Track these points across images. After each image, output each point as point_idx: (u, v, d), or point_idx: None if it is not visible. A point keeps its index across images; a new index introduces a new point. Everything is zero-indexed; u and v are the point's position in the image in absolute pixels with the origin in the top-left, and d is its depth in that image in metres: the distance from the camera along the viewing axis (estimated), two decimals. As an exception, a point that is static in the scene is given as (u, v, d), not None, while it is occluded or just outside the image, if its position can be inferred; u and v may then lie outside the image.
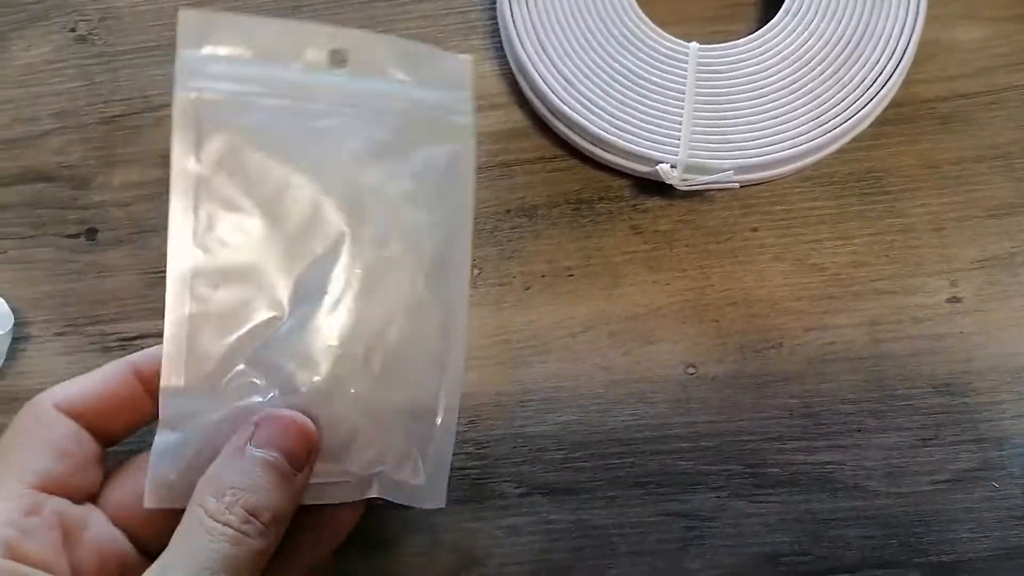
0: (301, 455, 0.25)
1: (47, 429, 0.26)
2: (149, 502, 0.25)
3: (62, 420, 0.26)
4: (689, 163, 0.35)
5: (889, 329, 0.35)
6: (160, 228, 0.39)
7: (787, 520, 0.34)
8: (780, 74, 0.36)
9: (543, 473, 0.35)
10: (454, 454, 0.35)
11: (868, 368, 0.35)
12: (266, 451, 0.25)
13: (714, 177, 0.35)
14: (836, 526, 0.34)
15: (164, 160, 0.40)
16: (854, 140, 0.37)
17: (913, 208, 0.37)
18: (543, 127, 0.38)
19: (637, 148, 0.36)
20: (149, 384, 0.28)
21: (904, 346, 0.35)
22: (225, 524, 0.23)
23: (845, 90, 0.36)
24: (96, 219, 0.40)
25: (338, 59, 0.28)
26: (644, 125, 0.36)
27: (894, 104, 0.37)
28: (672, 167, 0.35)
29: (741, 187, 0.36)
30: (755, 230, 0.37)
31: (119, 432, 0.28)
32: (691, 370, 0.36)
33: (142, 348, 0.37)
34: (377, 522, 0.35)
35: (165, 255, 0.39)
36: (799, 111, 0.36)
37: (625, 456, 0.35)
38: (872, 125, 0.37)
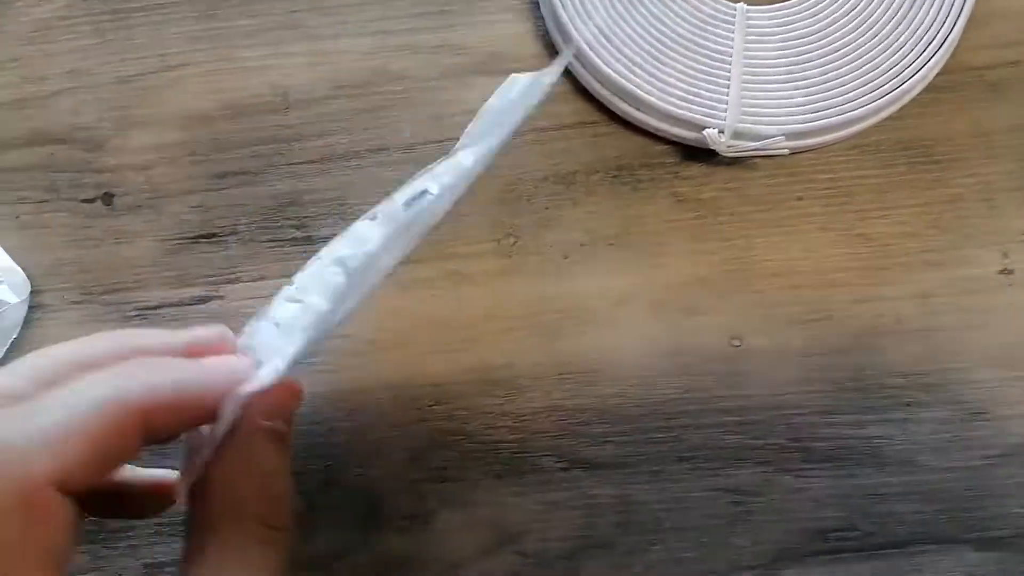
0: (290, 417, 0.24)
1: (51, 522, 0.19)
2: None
3: (66, 506, 0.19)
4: (737, 128, 0.34)
5: (940, 301, 0.35)
6: (178, 193, 0.38)
7: (835, 495, 0.33)
8: (830, 37, 0.35)
9: (584, 447, 0.34)
10: (491, 428, 0.34)
11: (918, 341, 0.34)
12: (275, 422, 0.23)
13: (763, 143, 0.34)
14: (885, 501, 0.33)
15: (183, 122, 0.38)
16: (902, 108, 0.36)
17: (963, 178, 0.36)
18: (582, 91, 0.37)
19: (682, 112, 0.34)
20: (155, 427, 0.21)
21: (955, 319, 0.34)
22: (280, 529, 0.21)
23: (897, 55, 0.35)
24: (112, 183, 0.38)
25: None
26: (690, 89, 0.35)
27: (945, 71, 0.36)
28: (719, 132, 0.34)
29: (794, 153, 0.35)
30: (800, 199, 0.36)
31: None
32: (736, 342, 0.35)
33: (162, 317, 0.36)
34: (413, 498, 0.34)
35: (184, 221, 0.38)
36: (850, 76, 0.35)
37: (669, 430, 0.34)
38: (921, 92, 0.36)
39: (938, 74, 0.36)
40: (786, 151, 0.34)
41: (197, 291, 0.37)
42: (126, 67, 0.39)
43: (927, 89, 0.36)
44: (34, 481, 0.18)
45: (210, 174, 0.38)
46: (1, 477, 0.18)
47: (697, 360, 0.35)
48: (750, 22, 0.35)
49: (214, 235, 0.37)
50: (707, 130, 0.34)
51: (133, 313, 0.37)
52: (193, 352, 0.23)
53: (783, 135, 0.34)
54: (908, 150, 0.36)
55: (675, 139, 0.36)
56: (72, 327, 0.37)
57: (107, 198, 0.38)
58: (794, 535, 0.33)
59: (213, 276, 0.37)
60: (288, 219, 0.37)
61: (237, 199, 0.37)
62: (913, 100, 0.36)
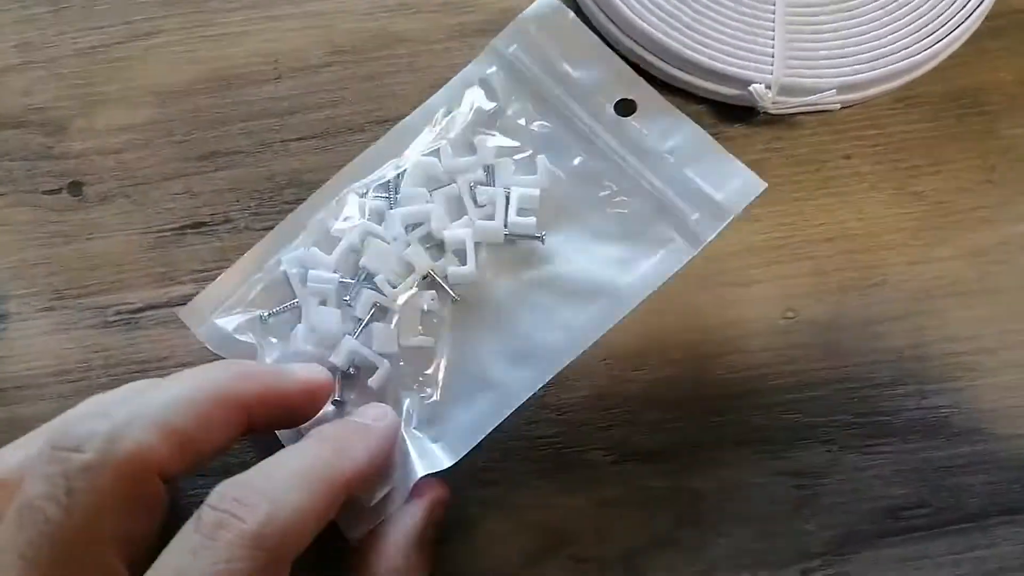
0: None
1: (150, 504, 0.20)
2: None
3: (161, 488, 0.21)
4: (785, 83, 0.31)
5: (998, 259, 0.33)
6: (157, 178, 0.33)
7: (903, 471, 0.31)
8: (876, -19, 0.32)
9: (636, 437, 0.31)
10: (532, 422, 0.31)
11: (979, 303, 0.32)
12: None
13: (812, 98, 0.31)
14: (955, 473, 0.31)
15: (156, 98, 0.34)
16: (948, 57, 0.34)
17: (1014, 128, 0.34)
18: (610, 47, 0.34)
19: (726, 68, 0.32)
20: (255, 417, 0.24)
21: (1016, 278, 0.32)
22: None
23: (945, 1, 0.32)
24: (79, 171, 0.33)
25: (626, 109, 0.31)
26: (733, 43, 0.32)
27: (991, 16, 0.34)
28: (766, 88, 0.31)
29: (841, 108, 0.32)
30: (848, 157, 0.33)
31: None
32: (790, 314, 0.32)
33: (149, 320, 0.32)
34: (452, 506, 0.31)
35: (167, 211, 0.34)
36: (899, 22, 0.32)
37: (725, 412, 0.32)
38: (968, 40, 0.34)
39: (986, 19, 0.33)
40: (837, 105, 0.32)
41: (187, 289, 0.32)
42: (86, 38, 0.34)
43: (975, 36, 0.34)
44: (141, 460, 0.19)
45: (194, 156, 0.34)
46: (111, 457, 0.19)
47: (749, 335, 0.32)
48: (792, -34, 0.32)
49: (203, 225, 0.33)
50: (753, 86, 0.31)
51: (115, 318, 0.32)
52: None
53: (834, 88, 0.31)
54: (956, 101, 0.34)
55: (715, 97, 0.33)
56: (44, 337, 0.32)
57: (74, 188, 0.33)
58: (863, 516, 0.31)
59: (204, 271, 0.33)
60: (287, 203, 0.33)
61: (227, 183, 0.33)
62: (959, 48, 0.33)
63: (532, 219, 0.30)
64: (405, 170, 0.31)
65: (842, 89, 0.32)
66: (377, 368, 0.28)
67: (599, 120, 0.31)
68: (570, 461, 0.31)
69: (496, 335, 0.29)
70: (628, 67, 0.32)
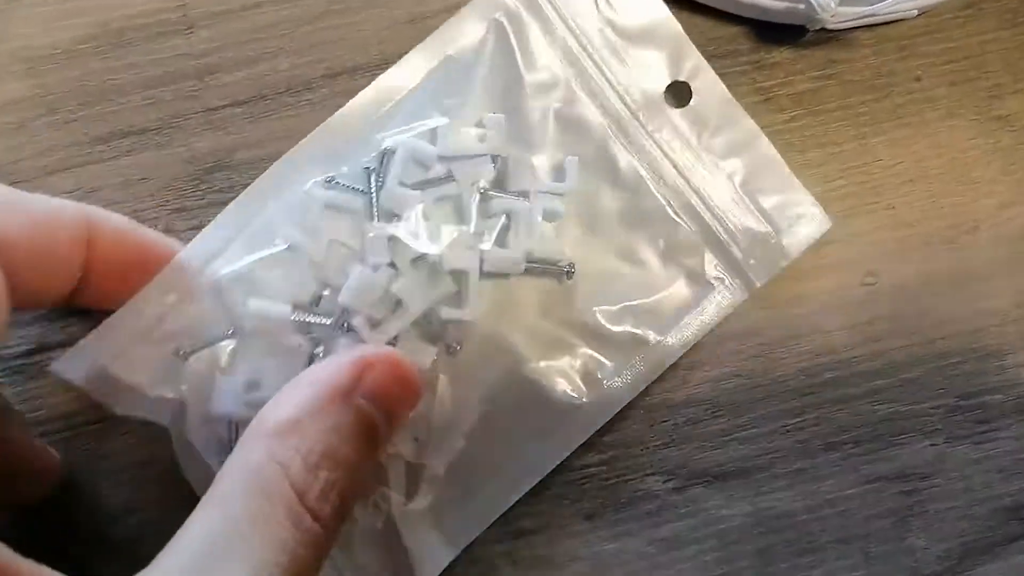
0: (400, 419, 0.20)
1: None
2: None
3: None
4: (847, -13, 0.25)
5: (1109, 190, 0.27)
6: (38, 173, 0.25)
7: None
8: None
9: (699, 454, 0.25)
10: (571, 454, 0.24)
11: (1091, 245, 0.26)
12: (375, 407, 0.18)
13: (883, 5, 0.25)
14: (1085, 457, 0.26)
15: (26, 65, 0.25)
16: (1023, -53, 0.27)
17: (1108, 29, 0.28)
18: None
19: (773, -27, 0.25)
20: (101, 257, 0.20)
21: None
22: (316, 518, 0.17)
23: None
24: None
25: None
26: (778, -60, 0.25)
27: None
28: (827, -5, 0.25)
29: (918, 15, 0.26)
30: (918, 79, 0.27)
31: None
32: (870, 279, 0.26)
33: (36, 366, 0.24)
34: (481, 568, 0.24)
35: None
36: (975, -96, 0.26)
37: (805, 411, 0.25)
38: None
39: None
40: (914, 12, 0.25)
41: (91, 323, 0.24)
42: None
43: (1051, -80, 0.27)
44: None
45: (86, 139, 0.25)
46: None
47: (824, 310, 0.26)
48: None
49: (106, 229, 0.25)
50: (811, -7, 0.24)
51: (-3, 363, 0.24)
52: None
53: (909, -10, 0.25)
54: (1037, 1, 0.28)
55: (756, 15, 0.26)
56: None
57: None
58: (983, 520, 0.25)
59: (114, 291, 0.24)
60: (215, 191, 0.25)
61: (134, 172, 0.25)
62: (1036, -65, 0.27)
63: (560, 245, 0.23)
64: (387, 153, 0.22)
65: (914, -9, 0.25)
66: None
67: (646, 106, 0.24)
68: (622, 494, 0.24)
69: (507, 395, 0.22)
70: (686, 35, 0.24)
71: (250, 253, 0.21)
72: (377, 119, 0.22)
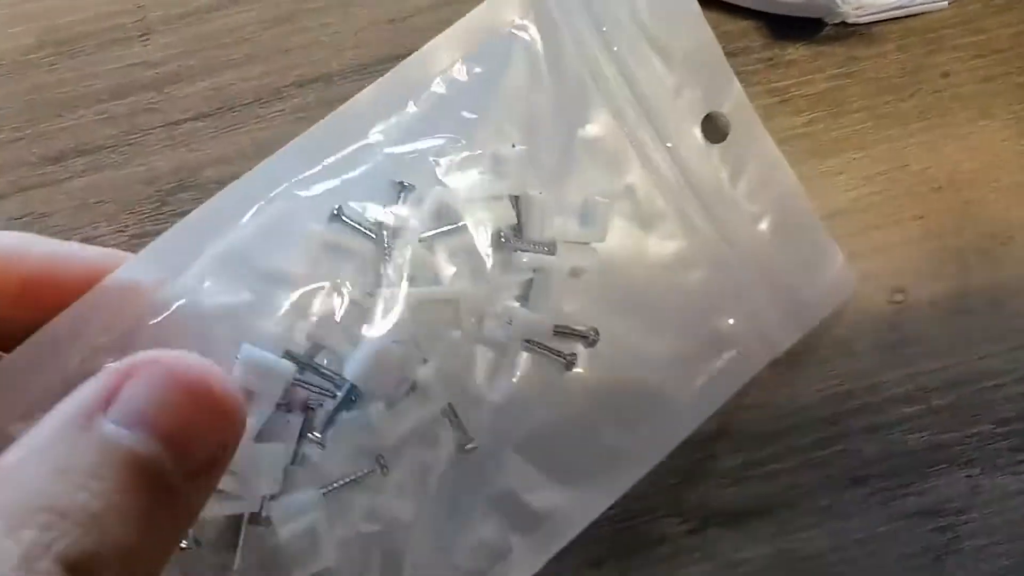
0: (204, 454, 0.13)
1: None
2: None
3: None
4: (873, -24, 0.23)
5: None
6: (-13, 197, 0.23)
7: (1068, 490, 0.23)
8: None
9: (717, 493, 0.23)
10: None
11: None
12: (147, 436, 0.12)
13: (909, -4, 0.23)
14: None
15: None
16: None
17: None
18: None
19: (790, -38, 0.22)
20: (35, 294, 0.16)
21: None
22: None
23: None
24: None
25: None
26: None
27: None
28: (849, -14, 0.22)
29: (948, 4, 0.24)
30: (946, 75, 0.25)
31: None
32: (898, 296, 0.24)
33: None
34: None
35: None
36: None
37: (830, 442, 0.23)
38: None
39: None
40: (944, 3, 0.23)
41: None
42: None
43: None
44: None
45: (34, 159, 0.23)
46: None
47: (850, 331, 0.24)
48: None
49: (60, 258, 0.22)
50: (831, -15, 0.22)
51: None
52: None
53: (940, -21, 0.22)
54: (1074, -13, 0.26)
55: (771, 9, 0.24)
56: None
57: None
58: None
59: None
60: (179, 213, 0.23)
61: (89, 194, 0.23)
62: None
63: (586, 308, 0.20)
64: (406, 190, 0.19)
65: (943, -20, 0.23)
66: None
67: (679, 142, 0.21)
68: (634, 538, 0.22)
69: (519, 478, 0.20)
70: (724, 57, 0.21)
71: (217, 280, 0.18)
72: (381, 125, 0.19)
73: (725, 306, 0.21)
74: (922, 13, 0.24)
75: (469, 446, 0.19)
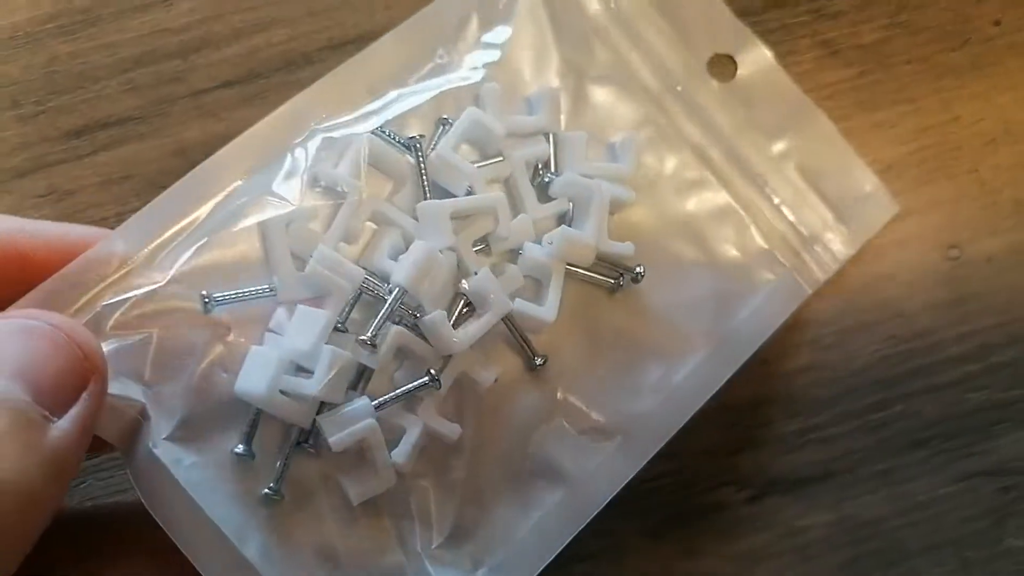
0: (62, 385, 0.15)
1: None
2: None
3: None
4: (927, -81, 0.22)
5: None
6: (6, 176, 0.22)
7: None
8: None
9: (775, 460, 0.22)
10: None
11: None
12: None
13: (964, -62, 0.22)
14: None
15: (-15, 53, 0.22)
16: None
17: None
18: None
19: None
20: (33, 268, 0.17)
21: None
22: None
23: None
24: None
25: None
26: None
27: None
28: (902, -71, 0.22)
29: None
30: (998, 23, 0.24)
31: None
32: (954, 252, 0.23)
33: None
34: None
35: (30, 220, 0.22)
36: None
37: (889, 404, 0.23)
38: None
39: None
40: (1000, -55, 0.22)
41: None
42: None
43: None
44: None
45: (57, 134, 0.22)
46: None
47: (905, 290, 0.23)
48: None
49: (88, 237, 0.22)
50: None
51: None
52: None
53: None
54: None
55: (816, -44, 0.23)
56: None
57: None
58: (1089, 517, 0.23)
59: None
60: (211, 187, 0.22)
61: (115, 168, 0.22)
62: None
63: (630, 244, 0.19)
64: (443, 123, 0.19)
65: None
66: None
67: (692, 81, 0.21)
68: (691, 507, 0.22)
69: (565, 409, 0.19)
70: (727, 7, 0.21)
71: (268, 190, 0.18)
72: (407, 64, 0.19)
73: (763, 241, 0.21)
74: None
75: (539, 361, 0.18)
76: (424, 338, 0.17)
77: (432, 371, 0.17)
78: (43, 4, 0.22)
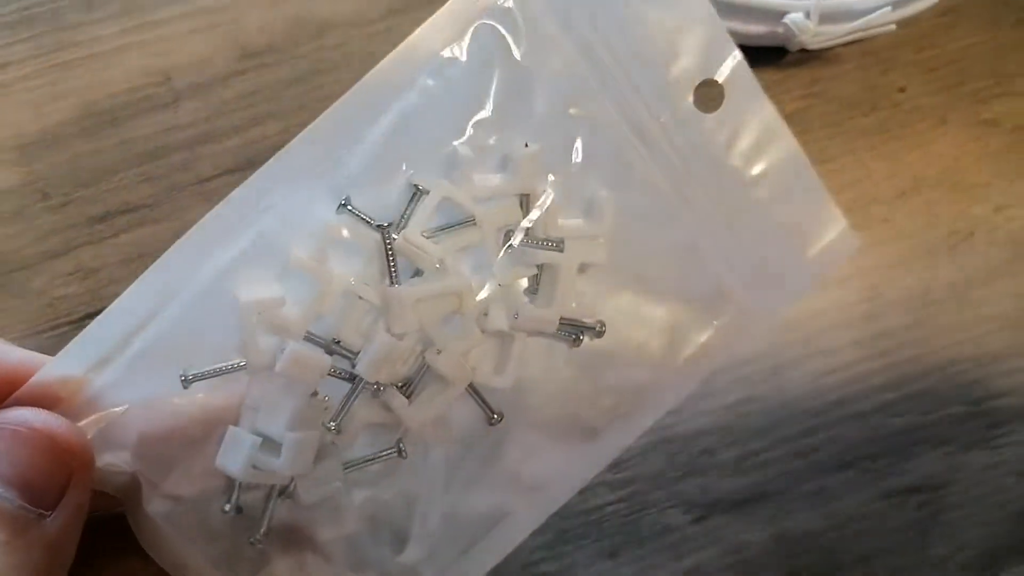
0: (52, 485, 0.15)
1: None
2: None
3: None
4: (827, 7, 0.25)
5: (1101, 185, 0.27)
6: (37, 259, 0.25)
7: (1038, 461, 0.26)
8: None
9: (717, 483, 0.25)
10: (584, 489, 0.24)
11: (1088, 241, 0.27)
12: None
13: (861, 22, 0.25)
14: (1099, 453, 0.26)
15: (17, 153, 0.26)
16: (996, -52, 0.28)
17: (1087, 24, 0.28)
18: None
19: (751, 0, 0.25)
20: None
21: (1125, 203, 0.27)
22: None
23: None
24: (-71, 265, 0.25)
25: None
26: (755, -35, 0.25)
27: None
28: (805, 17, 0.25)
29: (896, 27, 0.26)
30: (903, 90, 0.27)
31: None
32: (873, 292, 0.26)
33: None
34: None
35: (58, 300, 0.25)
36: (946, -88, 0.26)
37: (818, 431, 0.25)
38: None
39: None
40: (892, 26, 0.25)
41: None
42: (-95, 86, 0.26)
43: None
44: None
45: (82, 221, 0.25)
46: None
47: (831, 328, 0.26)
48: None
49: (111, 308, 0.25)
50: (789, 16, 0.25)
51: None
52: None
53: (889, 4, 0.25)
54: (1012, 2, 0.28)
55: (736, 39, 0.26)
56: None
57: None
58: (1004, 524, 0.25)
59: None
60: (216, 260, 0.25)
61: (134, 248, 0.25)
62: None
63: (592, 303, 0.20)
64: (417, 194, 0.19)
65: (895, 4, 0.25)
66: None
67: (673, 112, 0.20)
68: (642, 529, 0.24)
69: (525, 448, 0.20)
70: (721, 23, 0.20)
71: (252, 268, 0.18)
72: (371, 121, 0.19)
73: (722, 271, 0.20)
74: (876, 36, 0.26)
75: (495, 419, 0.19)
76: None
77: (401, 445, 0.19)
78: (68, 108, 0.26)
